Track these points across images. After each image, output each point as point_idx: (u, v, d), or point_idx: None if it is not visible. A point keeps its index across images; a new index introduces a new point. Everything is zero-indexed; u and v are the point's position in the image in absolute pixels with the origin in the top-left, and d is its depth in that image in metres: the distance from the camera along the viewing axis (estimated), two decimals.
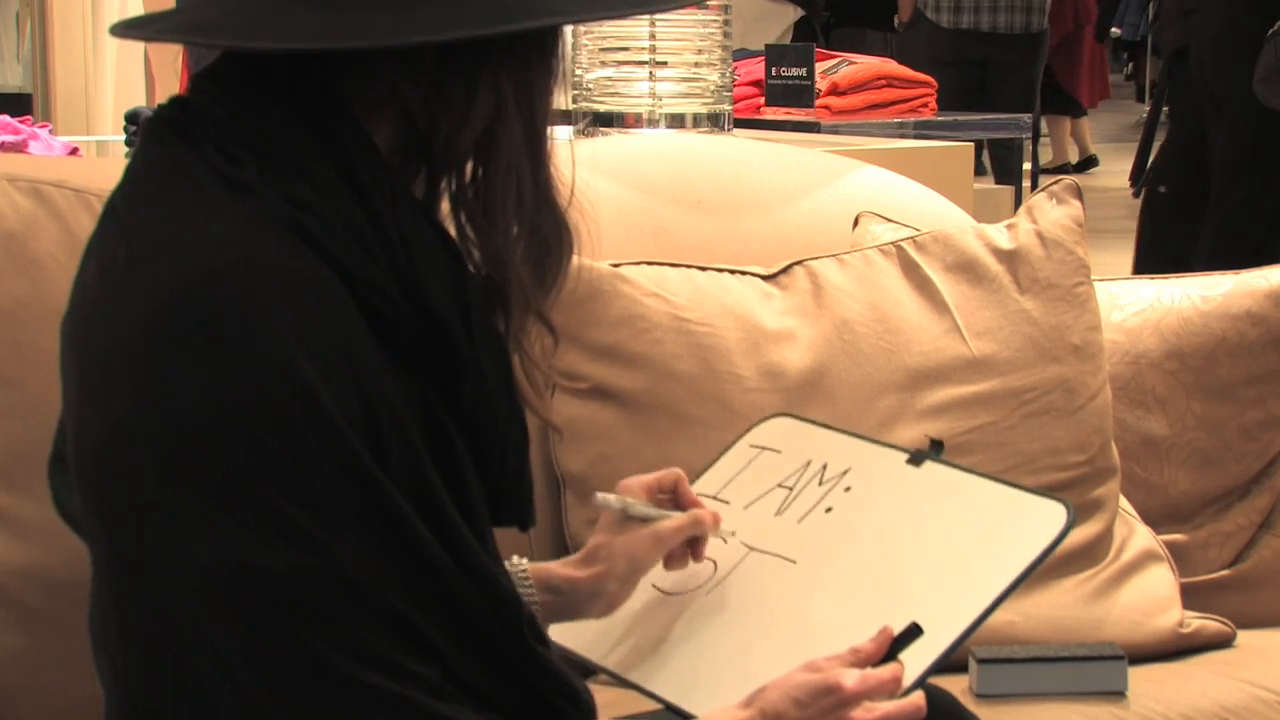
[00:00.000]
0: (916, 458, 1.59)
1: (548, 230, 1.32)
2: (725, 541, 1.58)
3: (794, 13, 6.60)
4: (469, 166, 1.29)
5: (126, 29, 1.31)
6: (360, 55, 1.25)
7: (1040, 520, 1.48)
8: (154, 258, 1.20)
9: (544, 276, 1.32)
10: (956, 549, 1.49)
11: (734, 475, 1.68)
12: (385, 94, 1.27)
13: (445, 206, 1.33)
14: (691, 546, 1.57)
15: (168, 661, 1.20)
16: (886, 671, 1.38)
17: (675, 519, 1.55)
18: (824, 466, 1.63)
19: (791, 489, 1.62)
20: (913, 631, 1.40)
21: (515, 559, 1.54)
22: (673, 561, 1.57)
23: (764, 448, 1.70)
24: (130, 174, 1.28)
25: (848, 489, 1.59)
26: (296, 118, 1.24)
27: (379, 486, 1.19)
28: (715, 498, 1.66)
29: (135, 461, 1.18)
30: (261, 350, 1.16)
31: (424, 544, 1.21)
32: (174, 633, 1.19)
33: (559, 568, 1.56)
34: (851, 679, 1.35)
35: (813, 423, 1.73)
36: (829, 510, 1.58)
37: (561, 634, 1.55)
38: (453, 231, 1.30)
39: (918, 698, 1.37)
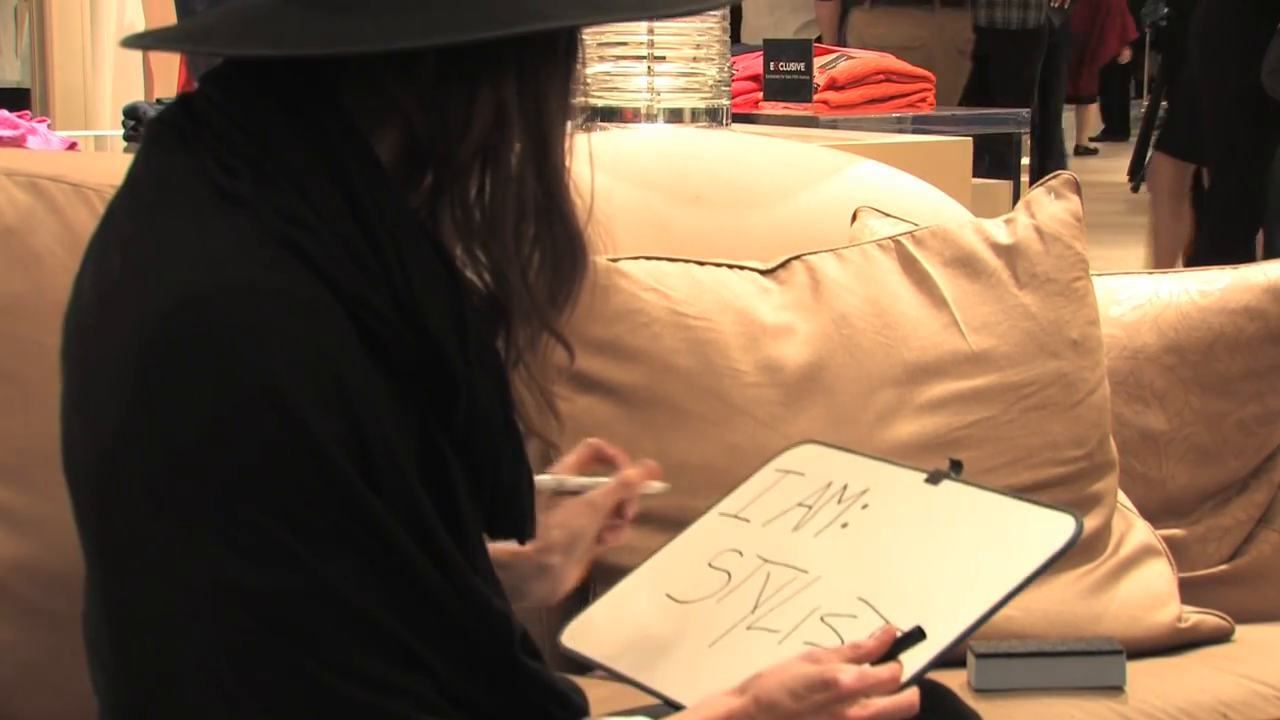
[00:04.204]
0: (935, 477, 1.60)
1: (560, 246, 1.30)
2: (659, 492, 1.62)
3: None
4: (473, 178, 1.27)
5: (136, 40, 1.32)
6: (361, 64, 1.24)
7: (1048, 530, 1.49)
8: (146, 273, 1.20)
9: (556, 294, 1.31)
10: (963, 556, 1.50)
11: (756, 497, 1.69)
12: (387, 104, 1.26)
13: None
14: (622, 510, 1.60)
15: (159, 675, 1.20)
16: (885, 671, 1.37)
17: (606, 484, 1.58)
18: (844, 487, 1.64)
19: (810, 508, 1.63)
20: (915, 635, 1.40)
21: None
22: (610, 534, 1.59)
23: (789, 471, 1.71)
24: (130, 180, 1.28)
25: (865, 506, 1.60)
26: (296, 128, 1.24)
27: (367, 507, 1.19)
28: (736, 516, 1.67)
29: (124, 481, 1.19)
30: (248, 373, 1.16)
31: (412, 563, 1.21)
32: (165, 648, 1.19)
33: (504, 546, 1.52)
34: (850, 675, 1.35)
35: (840, 449, 1.74)
36: (845, 526, 1.59)
37: (576, 641, 1.57)
38: (458, 245, 1.29)
39: (911, 694, 1.37)
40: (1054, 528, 1.50)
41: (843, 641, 1.45)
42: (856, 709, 1.35)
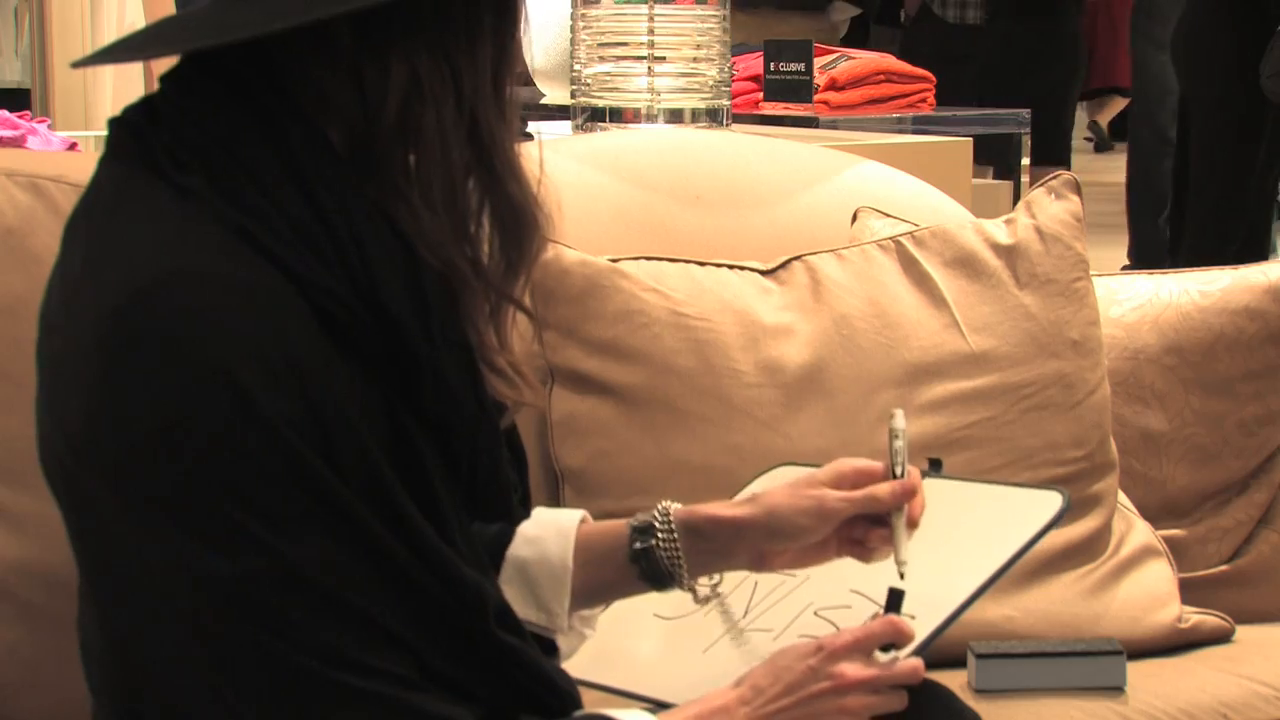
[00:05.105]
0: None
1: (506, 212, 1.30)
2: (901, 574, 1.44)
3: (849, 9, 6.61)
4: (403, 156, 1.27)
5: (84, 59, 1.32)
6: (298, 55, 1.25)
7: (1037, 507, 1.49)
8: (103, 268, 1.22)
9: (510, 260, 1.31)
10: (954, 537, 1.49)
11: None
12: (326, 93, 1.26)
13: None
14: (872, 530, 1.47)
15: (141, 669, 1.21)
16: (877, 625, 1.37)
17: (855, 492, 1.46)
18: None
19: None
20: (895, 598, 1.39)
21: (664, 503, 1.50)
22: (856, 548, 1.48)
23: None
24: (91, 184, 1.30)
25: None
26: (248, 119, 1.24)
27: (329, 488, 1.19)
28: None
29: (90, 476, 1.20)
30: (200, 360, 1.16)
31: (380, 541, 1.21)
32: (147, 641, 1.20)
33: (708, 508, 1.50)
34: (840, 638, 1.36)
35: (814, 467, 1.73)
36: None
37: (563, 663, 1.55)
38: (408, 226, 1.29)
39: (915, 661, 1.37)
40: (1042, 504, 1.50)
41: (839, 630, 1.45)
42: (853, 669, 1.34)
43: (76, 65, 1.31)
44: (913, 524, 1.43)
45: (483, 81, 1.28)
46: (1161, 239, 6.20)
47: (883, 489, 1.45)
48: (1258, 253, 5.39)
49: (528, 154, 1.32)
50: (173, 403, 1.16)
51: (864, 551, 1.47)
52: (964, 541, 1.49)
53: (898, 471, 1.44)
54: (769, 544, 1.47)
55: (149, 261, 1.19)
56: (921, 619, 1.40)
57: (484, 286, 1.30)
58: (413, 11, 1.24)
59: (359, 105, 1.26)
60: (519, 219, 1.30)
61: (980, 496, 1.56)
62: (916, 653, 1.38)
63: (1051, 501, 1.49)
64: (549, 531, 1.50)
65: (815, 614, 1.50)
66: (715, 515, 1.48)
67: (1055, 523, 1.47)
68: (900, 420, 1.46)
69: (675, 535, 1.48)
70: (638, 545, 1.48)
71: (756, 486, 1.71)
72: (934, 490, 1.57)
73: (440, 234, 1.27)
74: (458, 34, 1.26)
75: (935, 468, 1.60)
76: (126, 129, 1.28)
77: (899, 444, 1.45)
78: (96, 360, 1.19)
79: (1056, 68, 5.89)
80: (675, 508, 1.49)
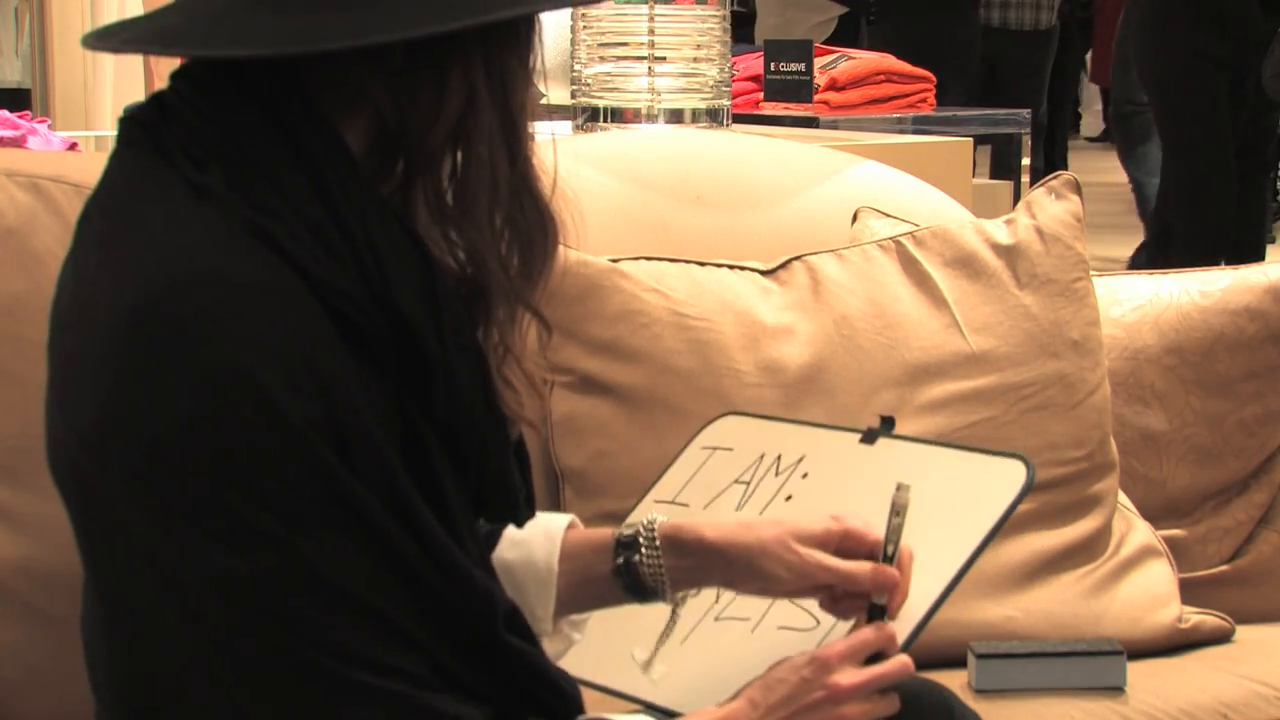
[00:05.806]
0: (869, 436, 1.59)
1: (530, 220, 1.30)
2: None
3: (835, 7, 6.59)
4: (445, 160, 1.28)
5: (97, 40, 1.31)
6: (327, 56, 1.24)
7: (1001, 478, 1.48)
8: (119, 268, 1.21)
9: (529, 267, 1.31)
10: (923, 522, 1.47)
11: (689, 478, 1.67)
12: (356, 94, 1.26)
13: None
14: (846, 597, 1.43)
15: (151, 670, 1.21)
16: (868, 632, 1.37)
17: (839, 564, 1.42)
18: (778, 458, 1.62)
19: (749, 484, 1.62)
20: (877, 612, 1.39)
21: (650, 516, 1.49)
22: (830, 604, 1.44)
23: (716, 448, 1.69)
24: (104, 179, 1.29)
25: (805, 475, 1.59)
26: (264, 119, 1.24)
27: (345, 487, 1.19)
28: (673, 502, 1.65)
29: (103, 476, 1.19)
30: (219, 361, 1.16)
31: (394, 541, 1.21)
32: (156, 640, 1.20)
33: (696, 526, 1.48)
34: (832, 648, 1.36)
35: (761, 417, 1.73)
36: (789, 499, 1.58)
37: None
38: (432, 229, 1.29)
39: (904, 658, 1.37)
40: (1006, 475, 1.48)
41: (817, 621, 1.45)
42: (846, 677, 1.35)
43: (86, 43, 1.30)
44: (890, 616, 1.40)
45: (524, 93, 1.29)
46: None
47: (864, 573, 1.41)
48: (1254, 253, 5.39)
49: (539, 159, 1.33)
50: (191, 402, 1.16)
51: (834, 607, 1.45)
52: (933, 525, 1.46)
53: (889, 551, 1.41)
54: (743, 575, 1.46)
55: (167, 262, 1.19)
56: (901, 615, 1.40)
57: (511, 291, 1.30)
58: (466, 28, 1.24)
59: (411, 114, 1.26)
60: (543, 227, 1.31)
61: (941, 464, 1.54)
62: (902, 649, 1.38)
63: (1015, 471, 1.47)
64: (536, 535, 1.50)
65: (789, 600, 1.49)
66: (701, 536, 1.46)
67: (1023, 496, 1.46)
68: (906, 497, 1.41)
69: (659, 550, 1.47)
70: (621, 559, 1.49)
71: (706, 439, 1.70)
72: (891, 454, 1.56)
73: (479, 236, 1.28)
74: (504, 48, 1.28)
75: (888, 426, 1.58)
76: (138, 126, 1.28)
77: (898, 521, 1.41)
78: (113, 361, 1.19)
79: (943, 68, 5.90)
80: (661, 521, 1.49)
